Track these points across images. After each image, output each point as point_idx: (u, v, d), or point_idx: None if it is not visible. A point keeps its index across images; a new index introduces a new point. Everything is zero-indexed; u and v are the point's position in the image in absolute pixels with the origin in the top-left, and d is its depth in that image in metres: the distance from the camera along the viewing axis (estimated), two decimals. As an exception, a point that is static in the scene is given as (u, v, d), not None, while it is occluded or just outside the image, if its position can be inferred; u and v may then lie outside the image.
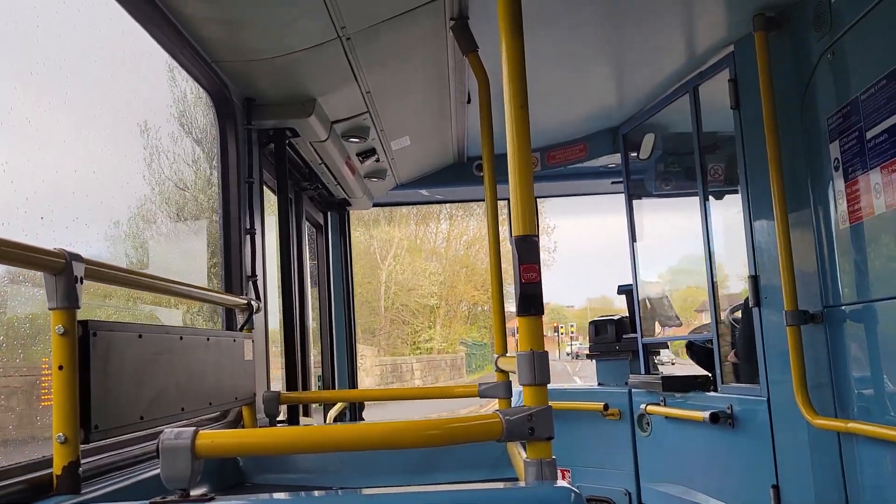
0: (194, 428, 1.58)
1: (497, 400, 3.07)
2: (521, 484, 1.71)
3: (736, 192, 4.15)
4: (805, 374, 3.26)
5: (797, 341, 3.28)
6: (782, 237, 3.34)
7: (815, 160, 3.29)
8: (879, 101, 2.80)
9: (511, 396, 3.15)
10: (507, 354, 3.14)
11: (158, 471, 1.56)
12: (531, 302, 1.69)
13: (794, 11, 3.39)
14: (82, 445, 1.79)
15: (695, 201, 4.31)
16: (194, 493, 1.57)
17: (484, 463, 2.89)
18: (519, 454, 2.22)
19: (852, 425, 3.01)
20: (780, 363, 3.44)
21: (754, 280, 3.66)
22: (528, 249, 1.71)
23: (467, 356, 43.76)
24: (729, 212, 4.33)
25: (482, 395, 3.16)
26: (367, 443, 1.69)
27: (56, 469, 1.74)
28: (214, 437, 1.59)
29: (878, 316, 2.93)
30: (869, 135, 2.88)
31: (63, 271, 1.74)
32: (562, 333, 67.39)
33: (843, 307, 3.15)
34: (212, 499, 1.55)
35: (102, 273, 1.95)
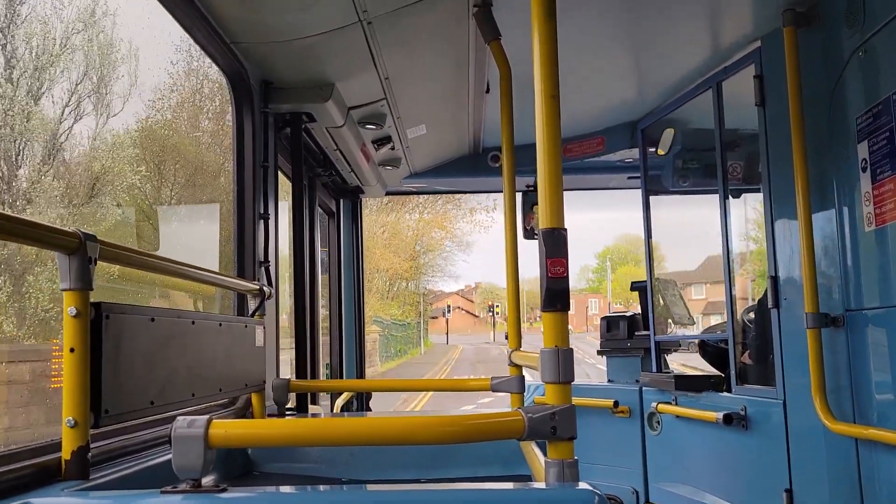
0: (207, 417, 1.54)
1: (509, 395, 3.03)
2: (540, 484, 1.67)
3: (754, 190, 4.09)
4: (824, 378, 3.20)
5: (817, 344, 3.22)
6: (805, 238, 3.27)
7: (841, 160, 3.22)
8: None
9: (524, 391, 3.10)
10: (521, 350, 3.09)
11: (168, 457, 1.52)
12: (558, 297, 1.64)
13: (825, 7, 3.31)
14: (92, 430, 1.75)
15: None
16: (205, 481, 1.53)
17: (496, 459, 2.85)
18: (534, 452, 2.17)
19: (872, 432, 2.96)
20: (798, 366, 3.38)
21: (774, 281, 3.60)
22: (555, 243, 1.66)
23: (383, 338, 36.34)
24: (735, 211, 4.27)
25: (494, 389, 3.12)
26: (386, 437, 1.65)
27: (65, 453, 1.71)
28: (228, 427, 1.55)
29: None
30: None
31: (77, 251, 1.70)
32: (496, 314, 64.56)
33: (865, 311, 3.09)
34: (224, 489, 1.52)
35: (116, 254, 1.91)
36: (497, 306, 65.93)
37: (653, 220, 4.99)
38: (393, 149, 4.79)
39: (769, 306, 3.65)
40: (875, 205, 2.99)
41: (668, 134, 4.79)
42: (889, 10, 2.86)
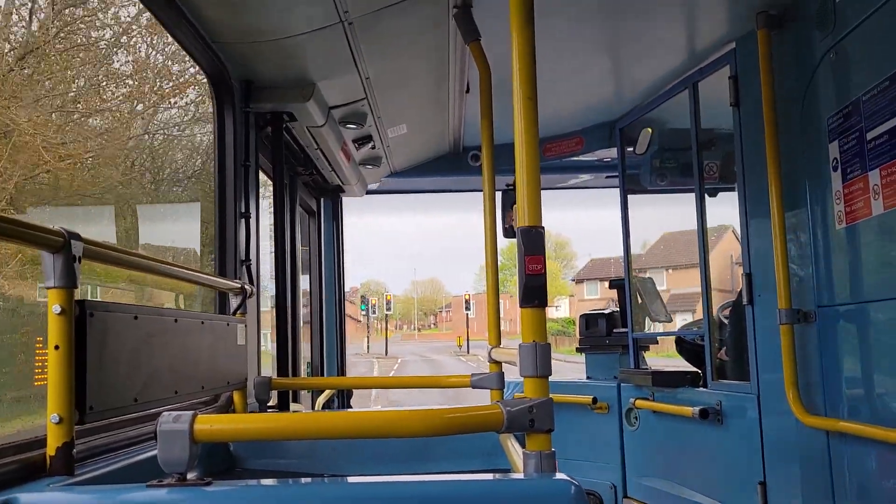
0: (193, 412, 1.56)
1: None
2: (519, 475, 1.71)
3: (730, 189, 4.16)
4: (797, 373, 3.28)
5: (790, 340, 3.30)
6: (778, 236, 3.35)
7: (813, 160, 3.30)
8: (881, 102, 2.80)
9: (504, 387, 3.15)
10: (500, 346, 3.13)
11: (153, 453, 1.55)
12: (535, 293, 1.69)
13: (797, 10, 3.38)
14: (77, 426, 1.77)
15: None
16: (190, 476, 1.55)
17: (477, 453, 2.89)
18: (512, 446, 2.22)
19: (842, 424, 3.03)
20: (772, 361, 3.46)
21: (749, 278, 3.67)
22: (533, 240, 1.70)
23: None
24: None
25: (474, 386, 3.16)
26: (367, 431, 1.68)
27: (50, 450, 1.72)
28: (213, 422, 1.57)
29: (871, 317, 2.94)
30: (869, 136, 2.88)
31: (61, 250, 1.72)
32: (373, 304, 51.19)
33: (836, 307, 3.17)
34: (208, 483, 1.54)
35: (100, 253, 1.93)
36: (372, 298, 52.06)
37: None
38: (373, 148, 4.82)
39: (744, 302, 3.72)
40: (846, 203, 3.06)
41: (646, 134, 4.86)
42: (858, 13, 2.94)
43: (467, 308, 60.68)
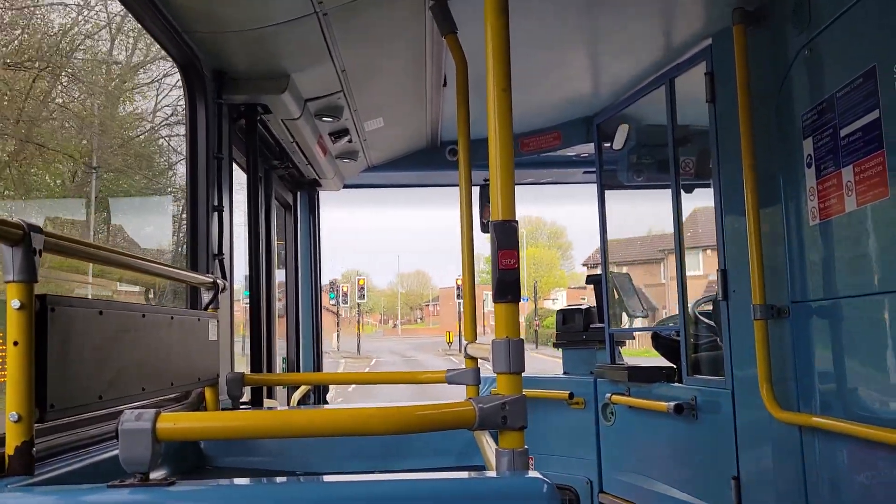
0: (156, 410, 1.52)
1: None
2: (492, 473, 1.69)
3: (705, 185, 4.17)
4: (770, 369, 3.29)
5: (764, 335, 3.31)
6: (753, 232, 3.35)
7: (788, 156, 3.31)
8: (855, 99, 2.81)
9: (479, 383, 3.13)
10: (477, 341, 3.11)
11: (116, 452, 1.50)
12: (508, 288, 1.66)
13: (773, 6, 3.39)
14: (37, 425, 1.72)
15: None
16: (154, 476, 1.51)
17: (451, 450, 2.87)
18: (487, 443, 2.20)
19: (815, 420, 3.05)
20: (746, 356, 3.47)
21: (724, 273, 3.68)
22: (506, 235, 1.68)
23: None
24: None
25: (450, 381, 3.14)
26: (335, 429, 1.65)
27: (8, 449, 1.67)
28: (176, 420, 1.53)
29: (843, 312, 2.96)
30: (843, 132, 2.89)
31: (20, 242, 1.67)
32: (344, 292, 44.13)
33: (809, 303, 3.18)
34: (172, 483, 1.50)
35: (62, 246, 1.88)
36: (345, 286, 44.35)
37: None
38: (350, 141, 4.77)
39: (719, 298, 3.73)
40: (819, 199, 3.08)
41: (623, 129, 4.86)
42: (833, 10, 2.95)
43: (459, 297, 58.39)
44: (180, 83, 3.31)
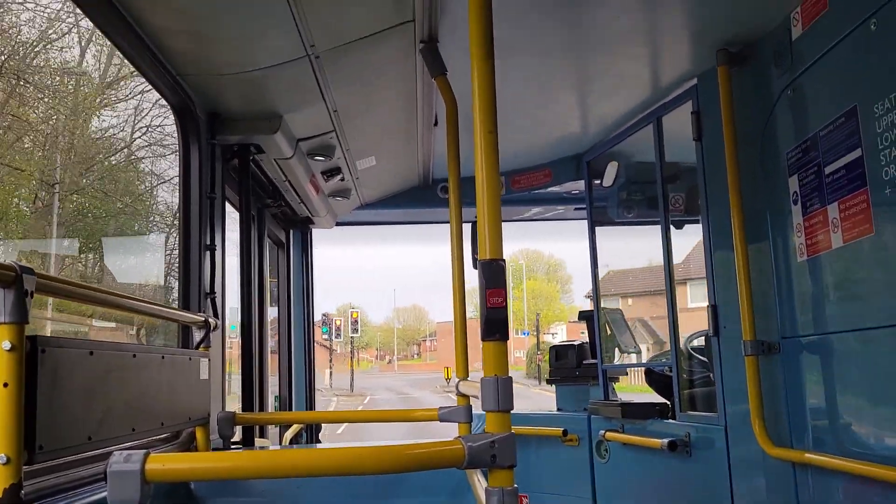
0: (145, 451, 1.52)
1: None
2: None
3: (695, 221, 4.21)
4: (762, 404, 3.30)
5: (755, 371, 3.32)
6: (741, 268, 3.38)
7: (774, 193, 3.36)
8: (838, 137, 2.87)
9: (471, 421, 3.12)
10: (469, 378, 3.11)
11: (105, 494, 1.50)
12: (496, 327, 1.68)
13: (756, 48, 3.47)
14: (25, 467, 1.71)
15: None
16: None
17: (444, 488, 2.86)
18: (478, 481, 2.19)
19: (808, 456, 3.05)
20: (738, 392, 3.47)
21: (714, 309, 3.70)
22: (494, 274, 1.70)
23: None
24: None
25: (442, 419, 3.14)
26: (326, 468, 1.65)
27: None
28: (166, 461, 1.53)
29: (833, 348, 2.98)
30: (827, 170, 2.94)
31: (13, 284, 1.68)
32: (337, 327, 41.69)
33: (799, 338, 3.20)
34: None
35: (54, 287, 1.89)
36: (335, 320, 41.46)
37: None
38: (342, 180, 4.81)
39: (709, 334, 3.75)
40: (806, 236, 3.12)
41: (613, 167, 4.92)
42: (814, 52, 3.02)
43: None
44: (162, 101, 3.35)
